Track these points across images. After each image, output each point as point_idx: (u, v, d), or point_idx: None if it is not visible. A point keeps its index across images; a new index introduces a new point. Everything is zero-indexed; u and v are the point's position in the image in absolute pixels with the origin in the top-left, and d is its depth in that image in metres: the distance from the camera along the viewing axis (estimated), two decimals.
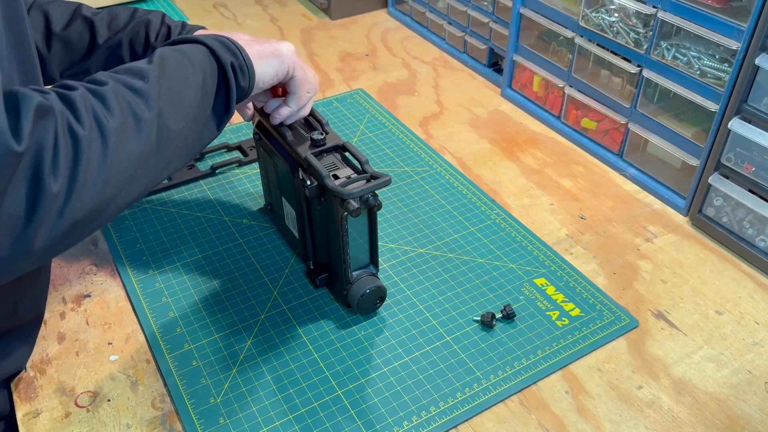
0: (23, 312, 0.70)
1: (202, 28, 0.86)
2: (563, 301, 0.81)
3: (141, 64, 0.59)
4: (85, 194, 0.50)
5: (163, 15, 0.85)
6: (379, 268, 0.80)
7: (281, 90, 0.80)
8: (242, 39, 0.70)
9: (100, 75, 0.56)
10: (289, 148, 0.77)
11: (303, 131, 0.78)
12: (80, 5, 0.84)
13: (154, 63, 0.59)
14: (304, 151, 0.74)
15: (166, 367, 0.74)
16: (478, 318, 0.78)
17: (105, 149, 0.51)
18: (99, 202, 0.51)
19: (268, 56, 0.69)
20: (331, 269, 0.80)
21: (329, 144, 0.75)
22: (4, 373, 0.69)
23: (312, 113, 0.80)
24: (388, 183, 0.70)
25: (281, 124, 0.78)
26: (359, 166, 0.73)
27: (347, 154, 0.75)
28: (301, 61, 0.74)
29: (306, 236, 0.80)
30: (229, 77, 0.64)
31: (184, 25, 0.85)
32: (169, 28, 0.84)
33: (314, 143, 0.75)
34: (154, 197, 0.97)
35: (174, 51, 0.62)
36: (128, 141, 0.53)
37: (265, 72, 0.69)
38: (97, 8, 0.86)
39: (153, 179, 0.58)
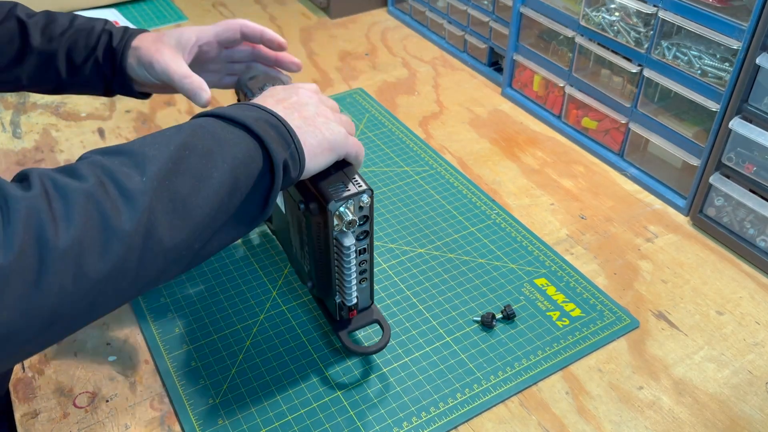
0: None
1: (145, 31, 0.80)
2: (563, 302, 0.81)
3: (156, 148, 0.49)
4: (7, 330, 0.41)
5: (105, 21, 0.79)
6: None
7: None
8: (293, 119, 0.60)
9: (88, 164, 0.47)
10: None
11: None
12: (16, 5, 0.78)
13: (171, 151, 0.49)
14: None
15: (165, 367, 0.73)
16: (478, 318, 0.78)
17: (41, 277, 0.41)
18: (28, 336, 0.42)
19: (324, 151, 0.61)
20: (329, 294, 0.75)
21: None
22: None
23: None
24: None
25: None
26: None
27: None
28: (342, 131, 0.63)
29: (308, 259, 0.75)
30: (276, 175, 0.55)
31: (126, 30, 0.78)
32: (110, 35, 0.77)
33: None
34: None
35: (208, 136, 0.52)
36: (86, 263, 0.43)
37: (317, 166, 0.61)
38: (36, 11, 0.80)
39: (127, 298, 0.48)
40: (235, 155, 0.52)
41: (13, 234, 0.41)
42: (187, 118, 1.14)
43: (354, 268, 0.68)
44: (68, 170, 0.47)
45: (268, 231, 0.91)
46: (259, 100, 0.63)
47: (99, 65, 0.78)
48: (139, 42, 0.78)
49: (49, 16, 0.78)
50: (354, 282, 0.70)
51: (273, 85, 0.75)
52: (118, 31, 0.78)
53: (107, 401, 0.71)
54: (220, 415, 0.69)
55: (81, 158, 0.49)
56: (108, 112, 1.16)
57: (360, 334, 0.77)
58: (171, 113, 1.16)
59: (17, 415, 0.69)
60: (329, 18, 1.49)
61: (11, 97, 1.20)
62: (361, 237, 0.68)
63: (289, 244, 0.79)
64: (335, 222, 0.65)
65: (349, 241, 0.66)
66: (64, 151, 1.07)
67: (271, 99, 0.63)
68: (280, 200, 0.77)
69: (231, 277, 0.84)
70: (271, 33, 0.84)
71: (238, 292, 0.83)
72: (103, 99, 1.20)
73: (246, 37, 0.84)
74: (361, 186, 0.64)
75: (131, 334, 0.78)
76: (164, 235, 0.47)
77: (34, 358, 0.74)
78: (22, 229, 0.41)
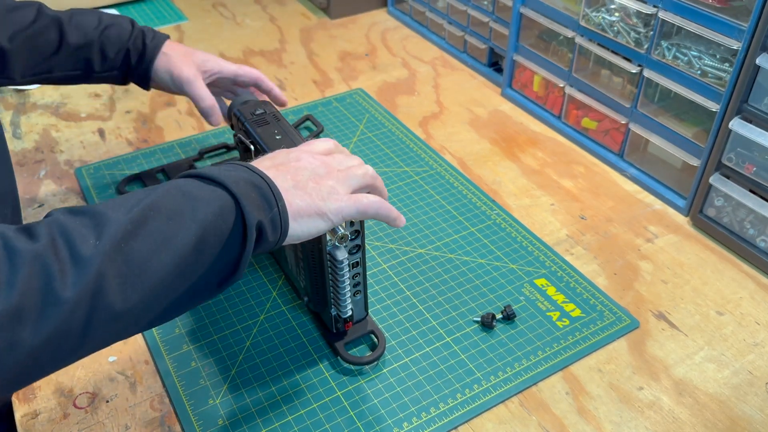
0: None
1: (167, 38, 0.88)
2: (564, 302, 0.81)
3: (118, 209, 0.48)
4: None
5: (131, 20, 0.87)
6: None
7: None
8: (284, 181, 0.57)
9: (45, 224, 0.46)
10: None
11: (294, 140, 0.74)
12: (41, 4, 0.83)
13: (134, 213, 0.48)
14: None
15: (165, 368, 0.73)
16: (479, 319, 0.78)
17: None
18: None
19: (312, 216, 0.57)
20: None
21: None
22: None
23: (311, 119, 0.79)
24: None
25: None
26: None
27: None
28: (340, 198, 0.58)
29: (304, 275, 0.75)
30: (248, 240, 0.51)
31: (155, 32, 0.87)
32: (143, 33, 0.86)
33: None
34: None
35: (180, 196, 0.50)
36: (20, 329, 0.41)
37: (303, 232, 0.57)
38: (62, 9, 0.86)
39: (70, 363, 0.47)
40: (206, 215, 0.50)
41: None
42: (186, 119, 1.15)
43: (348, 281, 0.69)
44: (27, 228, 0.45)
45: None
46: (257, 161, 0.60)
47: (129, 59, 0.85)
48: (169, 49, 0.87)
49: (77, 12, 0.84)
50: (348, 295, 0.70)
51: (263, 110, 0.79)
52: (149, 31, 0.86)
53: (107, 402, 0.70)
54: (220, 415, 0.69)
55: (48, 215, 0.48)
56: (108, 113, 1.16)
57: (357, 348, 0.77)
58: (171, 113, 1.16)
59: (17, 416, 0.69)
60: (329, 18, 1.49)
61: (11, 98, 1.20)
62: (354, 251, 0.68)
63: (285, 260, 0.80)
64: (328, 237, 0.66)
65: (342, 255, 0.67)
66: (64, 152, 1.07)
67: (268, 161, 0.60)
68: None
69: None
70: (278, 92, 0.94)
71: (238, 292, 0.82)
72: (104, 99, 1.20)
73: (257, 87, 0.94)
74: None
75: None
76: (115, 300, 0.45)
77: None
78: None
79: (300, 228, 0.56)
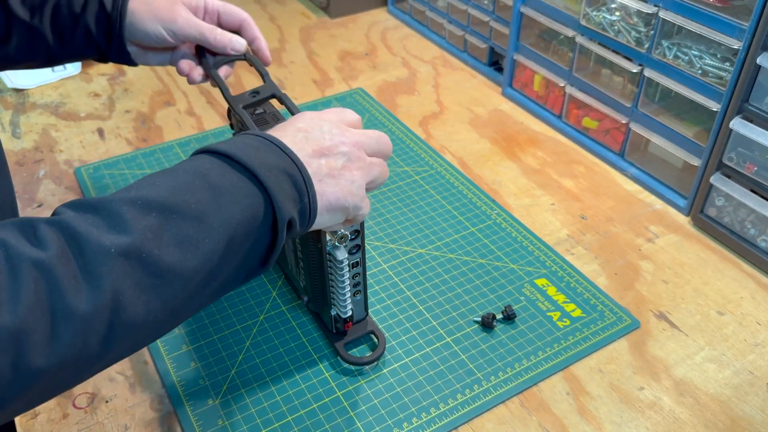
0: None
1: None
2: (564, 302, 0.81)
3: (135, 203, 0.43)
4: None
5: None
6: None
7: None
8: (319, 167, 0.53)
9: (51, 228, 0.40)
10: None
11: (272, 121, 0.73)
12: None
13: (154, 215, 0.43)
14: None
15: (165, 368, 0.73)
16: (479, 319, 0.78)
17: None
18: None
19: (336, 211, 0.54)
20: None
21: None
22: None
23: (284, 101, 0.72)
24: None
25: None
26: None
27: None
28: (361, 195, 0.56)
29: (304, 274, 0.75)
30: (279, 235, 0.48)
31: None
32: (99, 2, 0.70)
33: None
34: None
35: (207, 189, 0.45)
36: (27, 350, 0.37)
37: (323, 224, 0.55)
38: None
39: (86, 379, 0.43)
40: (233, 215, 0.46)
41: None
42: (187, 119, 1.14)
43: (348, 282, 0.69)
44: (30, 229, 0.41)
45: None
46: (288, 129, 0.55)
47: (90, 34, 0.72)
48: (140, 5, 0.71)
49: None
50: (348, 295, 0.70)
51: (263, 110, 0.72)
52: None
53: (107, 402, 0.70)
54: (219, 415, 0.69)
55: (55, 212, 0.43)
56: (107, 112, 1.16)
57: (357, 348, 0.77)
58: (170, 113, 1.16)
59: (17, 416, 0.69)
60: (329, 18, 1.49)
61: (11, 97, 1.20)
62: (354, 251, 0.68)
63: (285, 260, 0.80)
64: (328, 237, 0.66)
65: (342, 255, 0.67)
66: (63, 152, 1.07)
67: (301, 136, 0.54)
68: None
69: None
70: (264, 46, 0.79)
71: (237, 292, 0.82)
72: (103, 99, 1.19)
73: (241, 33, 0.78)
74: None
75: None
76: (136, 313, 0.41)
77: None
78: None
79: (323, 220, 0.54)
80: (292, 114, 0.67)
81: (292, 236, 0.51)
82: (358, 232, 0.67)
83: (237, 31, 0.78)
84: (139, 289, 0.41)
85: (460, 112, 1.18)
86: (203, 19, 0.77)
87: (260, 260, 0.50)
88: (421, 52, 1.36)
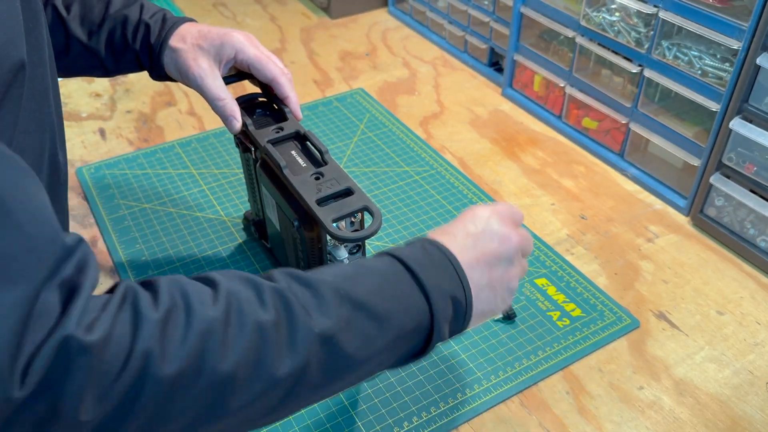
0: None
1: (190, 20, 0.76)
2: (564, 302, 0.81)
3: (338, 292, 0.48)
4: None
5: (141, 6, 0.75)
6: None
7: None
8: (480, 278, 0.55)
9: (273, 291, 0.46)
10: (290, 187, 0.68)
11: (300, 159, 0.71)
12: None
13: (351, 305, 0.48)
14: (308, 194, 0.65)
15: None
16: (501, 316, 0.78)
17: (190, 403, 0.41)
18: None
19: (483, 319, 0.57)
20: None
21: (334, 189, 0.66)
22: None
23: (309, 138, 0.72)
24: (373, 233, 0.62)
25: (274, 143, 0.72)
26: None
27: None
28: (509, 302, 0.58)
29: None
30: (430, 348, 0.53)
31: (165, 20, 0.74)
32: (147, 27, 0.73)
33: (317, 184, 0.67)
34: (154, 198, 0.97)
35: (392, 298, 0.50)
36: (227, 398, 0.43)
37: (482, 312, 0.56)
38: None
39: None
40: (405, 323, 0.50)
41: (186, 347, 0.40)
42: (188, 119, 1.15)
43: None
44: (256, 286, 0.46)
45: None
46: (459, 234, 0.56)
47: (138, 57, 0.76)
48: (177, 43, 0.74)
49: (84, 5, 0.75)
50: None
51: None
52: (156, 22, 0.74)
53: None
54: None
55: (273, 274, 0.48)
56: (109, 113, 1.16)
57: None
58: (171, 113, 1.16)
59: None
60: (330, 18, 1.49)
61: None
62: (354, 251, 0.68)
63: (285, 261, 0.80)
64: (328, 237, 0.66)
65: (342, 254, 0.67)
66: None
67: (470, 243, 0.56)
68: (275, 218, 0.77)
69: None
70: (295, 104, 0.77)
71: None
72: (104, 99, 1.20)
73: (272, 86, 0.78)
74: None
75: None
76: (311, 388, 0.47)
77: None
78: (196, 343, 0.41)
79: (481, 307, 0.55)
80: (319, 152, 0.69)
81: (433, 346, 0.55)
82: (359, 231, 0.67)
83: (270, 86, 0.78)
84: (322, 370, 0.46)
85: (461, 112, 1.18)
86: (228, 71, 0.77)
87: (402, 363, 0.54)
88: (422, 53, 1.36)
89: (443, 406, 0.70)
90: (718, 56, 0.87)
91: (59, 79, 0.68)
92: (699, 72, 0.89)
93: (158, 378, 0.39)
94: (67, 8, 0.75)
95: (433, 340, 0.52)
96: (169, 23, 0.75)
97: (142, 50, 0.75)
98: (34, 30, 0.53)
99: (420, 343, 0.52)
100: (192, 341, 0.41)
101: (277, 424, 0.68)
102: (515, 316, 0.78)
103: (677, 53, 0.91)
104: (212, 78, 0.72)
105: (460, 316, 0.53)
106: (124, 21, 0.74)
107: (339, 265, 0.53)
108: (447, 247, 0.54)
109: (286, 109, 0.76)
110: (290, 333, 0.45)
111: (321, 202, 0.64)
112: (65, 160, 0.65)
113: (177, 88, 1.23)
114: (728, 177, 0.88)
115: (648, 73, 0.95)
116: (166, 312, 0.41)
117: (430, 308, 0.51)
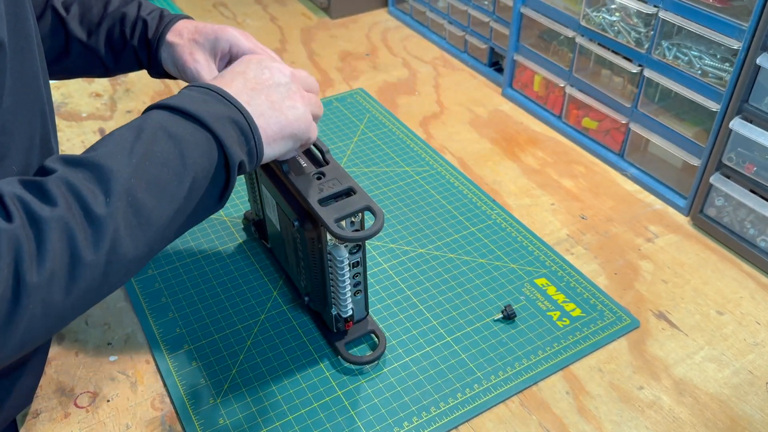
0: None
1: (186, 17, 0.77)
2: (564, 302, 0.81)
3: (116, 157, 0.48)
4: None
5: (139, 5, 0.77)
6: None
7: None
8: (259, 103, 0.58)
9: (53, 183, 0.46)
10: (291, 187, 0.69)
11: (301, 160, 0.70)
12: None
13: (133, 162, 0.49)
14: (310, 194, 0.66)
15: (166, 367, 0.73)
16: (500, 316, 0.78)
17: (13, 310, 0.42)
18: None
19: (285, 138, 0.60)
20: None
21: (336, 189, 0.66)
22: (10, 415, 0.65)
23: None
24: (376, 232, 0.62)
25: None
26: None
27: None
28: (307, 120, 0.62)
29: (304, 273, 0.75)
30: (231, 176, 0.55)
31: (162, 16, 0.76)
32: (145, 23, 0.75)
33: (319, 183, 0.67)
34: None
35: (168, 140, 0.51)
36: (54, 293, 0.44)
37: (274, 154, 0.60)
38: None
39: (88, 307, 0.49)
40: (195, 159, 0.52)
41: None
42: None
43: (348, 281, 0.69)
44: (37, 188, 0.46)
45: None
46: (227, 76, 0.61)
47: (136, 54, 0.77)
48: (173, 38, 0.74)
49: (83, 5, 0.77)
50: (349, 294, 0.71)
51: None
52: (153, 19, 0.75)
53: (108, 401, 0.71)
54: (221, 414, 0.69)
55: (44, 168, 0.48)
56: (109, 113, 1.16)
57: (358, 347, 0.77)
58: None
59: (18, 415, 0.69)
60: (330, 18, 1.49)
61: None
62: (354, 250, 0.68)
63: (285, 261, 0.80)
64: (328, 237, 0.66)
65: (343, 254, 0.67)
66: (65, 152, 1.07)
67: (240, 80, 0.60)
68: (275, 218, 0.77)
69: (232, 277, 0.84)
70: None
71: (239, 291, 0.83)
72: (104, 99, 1.20)
73: None
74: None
75: (132, 334, 0.78)
76: (128, 250, 0.48)
77: None
78: (3, 265, 0.41)
79: (273, 150, 0.60)
80: (321, 152, 0.70)
81: (244, 173, 0.58)
82: (359, 231, 0.68)
83: None
84: (129, 231, 0.48)
85: (461, 112, 1.18)
86: (224, 66, 0.77)
87: (216, 199, 0.56)
88: (422, 53, 1.37)
89: (443, 406, 0.70)
90: (718, 56, 0.87)
91: (57, 81, 0.68)
92: (699, 72, 0.89)
93: None
94: (67, 9, 0.76)
95: (231, 163, 0.54)
96: (166, 20, 0.76)
97: (140, 47, 0.76)
98: (18, 16, 0.54)
99: (221, 173, 0.55)
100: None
101: (277, 423, 0.68)
102: (515, 316, 0.78)
103: (677, 53, 0.91)
104: (208, 71, 0.73)
105: (248, 135, 0.56)
106: (122, 18, 0.75)
107: (103, 138, 0.52)
108: (213, 83, 0.58)
109: None
110: (86, 213, 0.46)
111: (323, 201, 0.65)
112: (58, 150, 0.65)
113: (177, 87, 1.23)
114: (728, 177, 0.88)
115: (648, 73, 0.95)
116: None
117: (212, 133, 0.53)
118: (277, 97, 0.60)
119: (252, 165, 0.58)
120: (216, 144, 0.54)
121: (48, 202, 0.45)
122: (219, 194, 0.56)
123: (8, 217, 0.43)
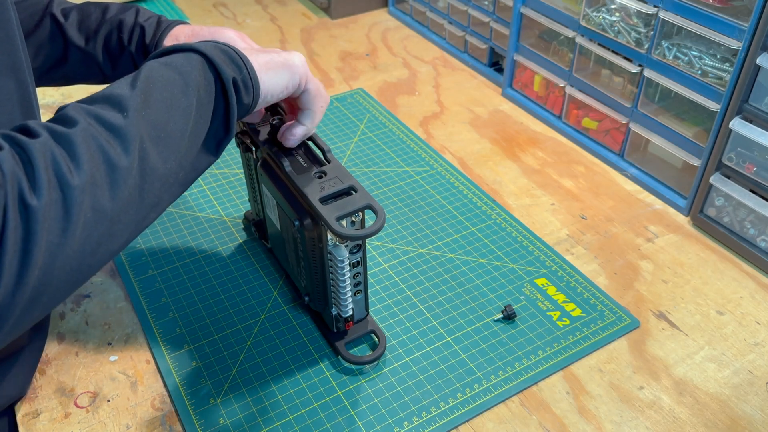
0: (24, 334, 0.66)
1: (184, 23, 0.78)
2: (564, 302, 0.81)
3: (122, 88, 0.51)
4: (41, 273, 0.43)
5: (137, 11, 0.78)
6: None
7: (268, 110, 0.75)
8: (243, 47, 0.62)
9: (72, 110, 0.49)
10: (291, 186, 0.68)
11: (301, 159, 0.70)
12: (51, 1, 0.78)
13: (137, 87, 0.51)
14: (311, 193, 0.65)
15: (166, 367, 0.73)
16: (501, 316, 0.78)
17: (67, 216, 0.44)
18: (60, 276, 0.45)
19: (277, 67, 0.62)
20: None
21: (337, 188, 0.66)
22: (3, 403, 0.67)
23: (311, 136, 0.72)
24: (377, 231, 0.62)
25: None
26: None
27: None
28: (299, 58, 0.66)
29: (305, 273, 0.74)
30: (229, 95, 0.56)
31: (159, 22, 0.77)
32: (142, 29, 0.76)
33: (320, 182, 0.67)
34: None
35: (164, 67, 0.54)
36: (100, 198, 0.46)
37: (273, 85, 0.61)
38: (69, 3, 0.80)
39: (137, 229, 0.51)
40: (194, 76, 0.55)
41: (39, 177, 0.43)
42: None
43: (348, 281, 0.69)
44: (57, 119, 0.49)
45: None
46: (211, 38, 0.65)
47: (134, 59, 0.78)
48: (170, 42, 0.76)
49: (82, 11, 0.78)
50: (349, 294, 0.71)
51: None
52: (150, 25, 0.77)
53: (108, 401, 0.71)
54: (221, 414, 0.69)
55: (60, 109, 0.50)
56: None
57: (358, 347, 0.77)
58: None
59: (18, 415, 0.69)
60: (330, 18, 1.49)
61: None
62: (355, 250, 0.68)
63: (286, 261, 0.80)
64: (329, 237, 0.66)
65: (343, 254, 0.67)
66: None
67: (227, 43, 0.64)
68: (275, 218, 0.77)
69: (232, 277, 0.84)
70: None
71: (239, 291, 0.83)
72: None
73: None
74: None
75: (132, 333, 0.78)
76: (156, 163, 0.50)
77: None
78: (44, 172, 0.43)
79: (270, 81, 0.61)
80: (322, 151, 0.70)
81: (244, 110, 0.59)
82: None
83: None
84: (153, 143, 0.50)
85: (461, 112, 1.18)
86: None
87: (224, 126, 0.57)
88: (422, 53, 1.37)
89: (443, 406, 0.70)
90: (718, 56, 0.87)
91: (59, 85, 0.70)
92: (699, 72, 0.89)
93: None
94: (65, 15, 0.77)
95: (224, 80, 0.56)
96: (164, 25, 0.77)
97: (137, 52, 0.77)
98: None
99: (220, 97, 0.56)
100: (41, 172, 0.43)
101: (277, 423, 0.68)
102: (515, 316, 0.78)
103: (677, 53, 0.91)
104: None
105: (239, 62, 0.58)
106: (120, 25, 0.76)
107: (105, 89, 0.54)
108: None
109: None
110: (107, 126, 0.48)
111: (324, 200, 0.65)
112: (39, 113, 0.65)
113: None
114: (728, 177, 0.88)
115: (648, 73, 0.95)
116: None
117: (202, 55, 0.56)
118: (264, 51, 0.63)
119: (249, 96, 0.59)
120: (207, 63, 0.56)
121: (69, 125, 0.47)
122: (225, 121, 0.57)
123: (34, 134, 0.45)
